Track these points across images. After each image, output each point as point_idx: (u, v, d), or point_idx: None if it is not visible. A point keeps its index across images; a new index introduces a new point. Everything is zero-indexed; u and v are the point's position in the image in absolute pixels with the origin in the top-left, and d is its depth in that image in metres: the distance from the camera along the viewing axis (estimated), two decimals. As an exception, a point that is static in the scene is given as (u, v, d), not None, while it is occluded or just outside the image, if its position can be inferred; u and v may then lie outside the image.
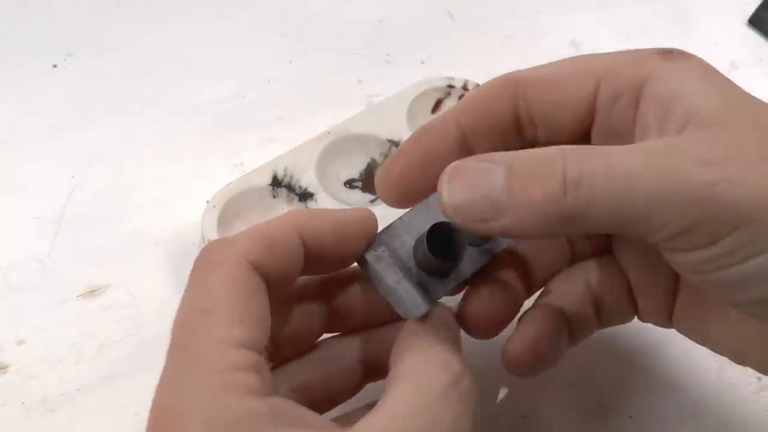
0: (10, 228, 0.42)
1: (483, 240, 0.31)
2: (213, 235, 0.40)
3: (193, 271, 0.27)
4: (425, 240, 0.28)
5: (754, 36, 0.56)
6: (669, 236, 0.25)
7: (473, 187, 0.25)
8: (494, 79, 0.30)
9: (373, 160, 0.45)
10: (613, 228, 0.25)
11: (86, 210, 0.43)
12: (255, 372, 0.24)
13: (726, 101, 0.26)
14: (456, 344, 0.28)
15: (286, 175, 0.43)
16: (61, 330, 0.39)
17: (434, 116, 0.31)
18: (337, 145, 0.44)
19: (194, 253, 0.42)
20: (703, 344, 0.31)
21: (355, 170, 0.45)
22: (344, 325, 0.32)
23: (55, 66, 0.49)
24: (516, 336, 0.31)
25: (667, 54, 0.28)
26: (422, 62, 0.51)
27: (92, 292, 0.40)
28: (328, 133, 0.44)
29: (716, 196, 0.24)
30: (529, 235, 0.26)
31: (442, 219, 0.28)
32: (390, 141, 0.45)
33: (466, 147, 0.30)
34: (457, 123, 0.30)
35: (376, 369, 0.31)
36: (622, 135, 0.29)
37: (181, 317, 0.26)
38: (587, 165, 0.24)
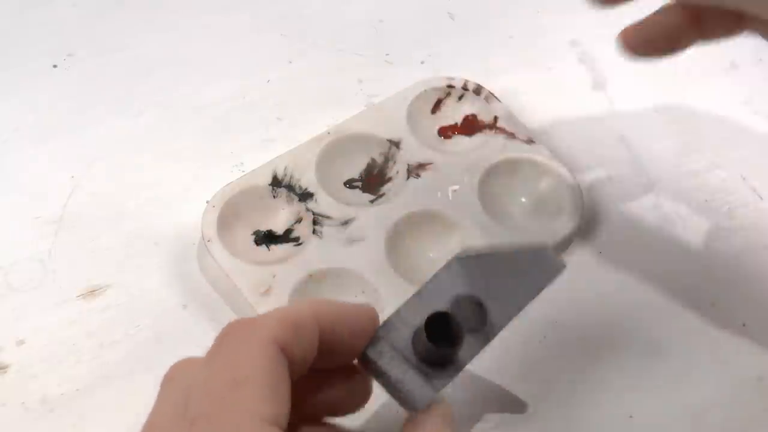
0: (10, 228, 0.42)
1: (480, 325, 0.31)
2: (213, 235, 0.40)
3: (218, 342, 0.27)
4: (424, 329, 0.29)
5: (754, 36, 0.56)
6: None
7: None
8: None
9: (373, 160, 0.45)
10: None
11: (86, 210, 0.43)
12: None
13: None
14: None
15: (286, 175, 0.43)
16: (61, 330, 0.39)
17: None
18: (337, 145, 0.44)
19: (194, 253, 0.43)
20: None
21: (355, 170, 0.45)
22: None
23: (55, 66, 0.49)
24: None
25: None
26: (422, 62, 0.51)
27: (92, 292, 0.40)
28: (328, 133, 0.44)
29: None
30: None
31: (437, 309, 0.29)
32: (390, 141, 0.45)
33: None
34: None
35: None
36: None
37: (208, 383, 0.25)
38: None
